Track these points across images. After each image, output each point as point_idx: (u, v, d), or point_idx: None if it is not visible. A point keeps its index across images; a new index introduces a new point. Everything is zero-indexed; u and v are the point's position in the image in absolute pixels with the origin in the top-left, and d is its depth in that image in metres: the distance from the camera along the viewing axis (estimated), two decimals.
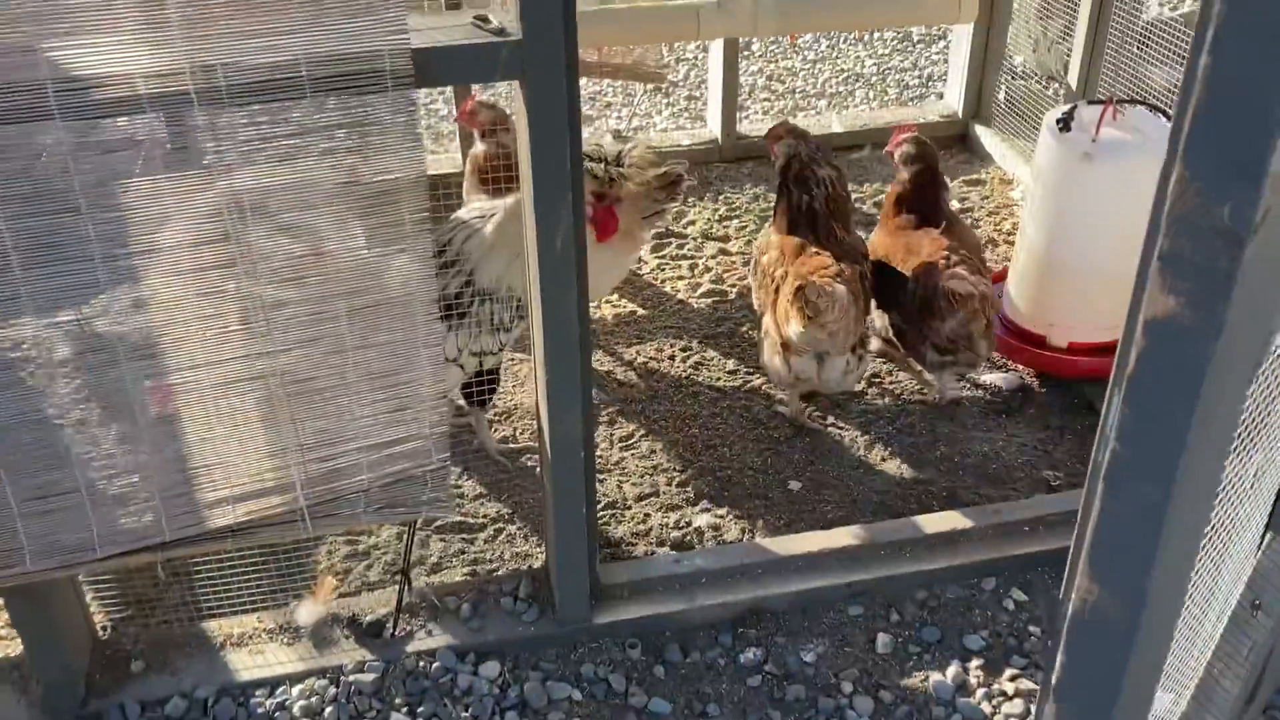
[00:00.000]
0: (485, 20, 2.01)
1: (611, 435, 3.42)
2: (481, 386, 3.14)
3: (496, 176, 3.33)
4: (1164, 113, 3.41)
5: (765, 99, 5.78)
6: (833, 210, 3.30)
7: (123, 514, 2.14)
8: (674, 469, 3.29)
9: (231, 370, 2.10)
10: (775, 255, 3.29)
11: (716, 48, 4.76)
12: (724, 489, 3.22)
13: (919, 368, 3.53)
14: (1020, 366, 3.67)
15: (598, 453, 3.33)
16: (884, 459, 3.33)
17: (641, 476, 3.27)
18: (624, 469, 3.29)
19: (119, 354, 2.00)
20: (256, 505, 2.24)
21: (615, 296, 4.11)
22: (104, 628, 2.72)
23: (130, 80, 1.79)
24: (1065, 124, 3.33)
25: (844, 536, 2.86)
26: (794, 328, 3.02)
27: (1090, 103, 3.45)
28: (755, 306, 3.49)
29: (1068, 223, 3.43)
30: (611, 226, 3.21)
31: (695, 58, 6.15)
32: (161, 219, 1.92)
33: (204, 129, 1.87)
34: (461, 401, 3.24)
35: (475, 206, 3.06)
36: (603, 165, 3.14)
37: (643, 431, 3.44)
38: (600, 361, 3.75)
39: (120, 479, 2.11)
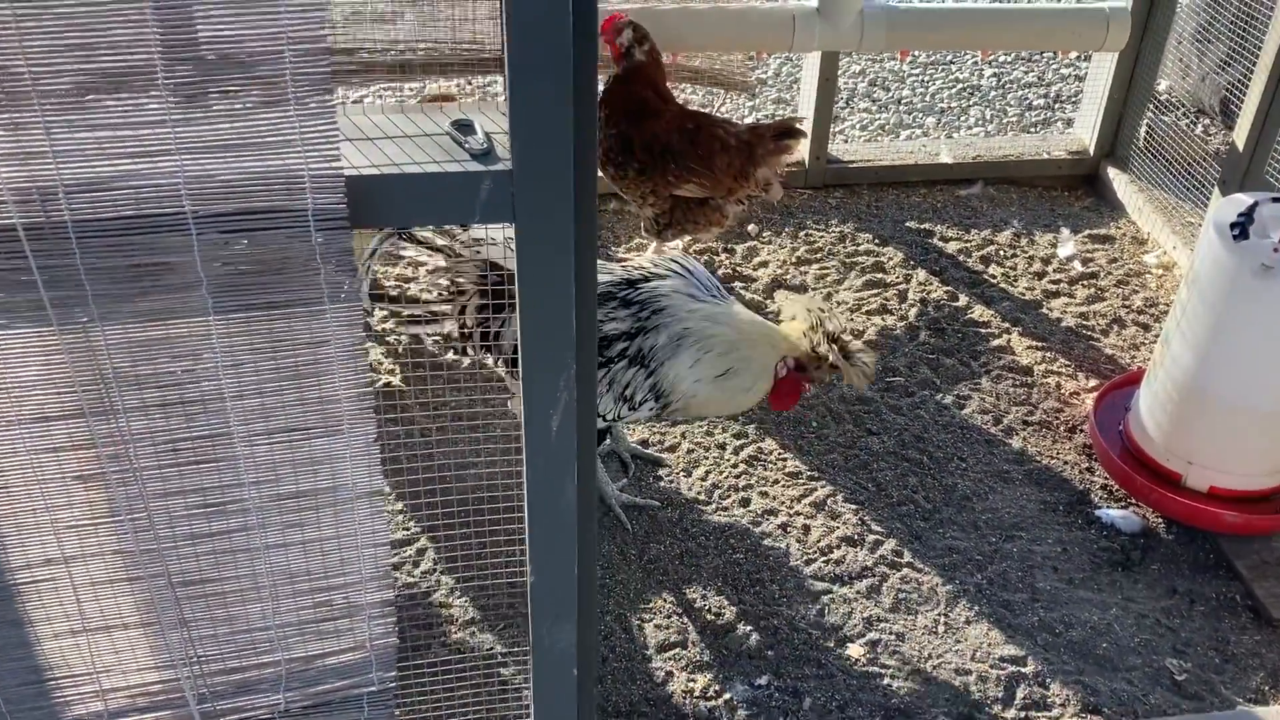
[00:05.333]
0: (467, 129, 1.39)
1: (637, 555, 2.84)
2: None
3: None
4: None
5: (865, 110, 5.07)
6: None
7: None
8: (709, 610, 2.70)
9: (99, 569, 1.56)
10: None
11: (813, 59, 4.07)
12: (768, 645, 2.62)
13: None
14: (1145, 507, 3.01)
15: (613, 577, 2.75)
16: (968, 620, 2.71)
17: (668, 617, 2.68)
18: (647, 604, 2.71)
19: None
20: None
21: None
22: None
23: None
24: (1242, 229, 2.63)
25: None
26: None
27: (1275, 199, 2.74)
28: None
29: (1230, 346, 2.74)
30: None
31: None
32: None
33: (49, 273, 1.30)
34: None
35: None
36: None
37: (674, 553, 2.85)
38: (632, 439, 3.15)
39: None
